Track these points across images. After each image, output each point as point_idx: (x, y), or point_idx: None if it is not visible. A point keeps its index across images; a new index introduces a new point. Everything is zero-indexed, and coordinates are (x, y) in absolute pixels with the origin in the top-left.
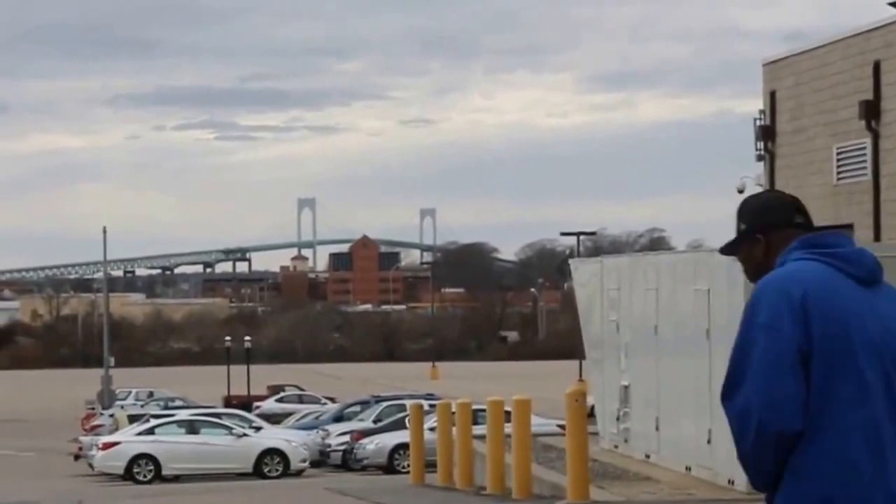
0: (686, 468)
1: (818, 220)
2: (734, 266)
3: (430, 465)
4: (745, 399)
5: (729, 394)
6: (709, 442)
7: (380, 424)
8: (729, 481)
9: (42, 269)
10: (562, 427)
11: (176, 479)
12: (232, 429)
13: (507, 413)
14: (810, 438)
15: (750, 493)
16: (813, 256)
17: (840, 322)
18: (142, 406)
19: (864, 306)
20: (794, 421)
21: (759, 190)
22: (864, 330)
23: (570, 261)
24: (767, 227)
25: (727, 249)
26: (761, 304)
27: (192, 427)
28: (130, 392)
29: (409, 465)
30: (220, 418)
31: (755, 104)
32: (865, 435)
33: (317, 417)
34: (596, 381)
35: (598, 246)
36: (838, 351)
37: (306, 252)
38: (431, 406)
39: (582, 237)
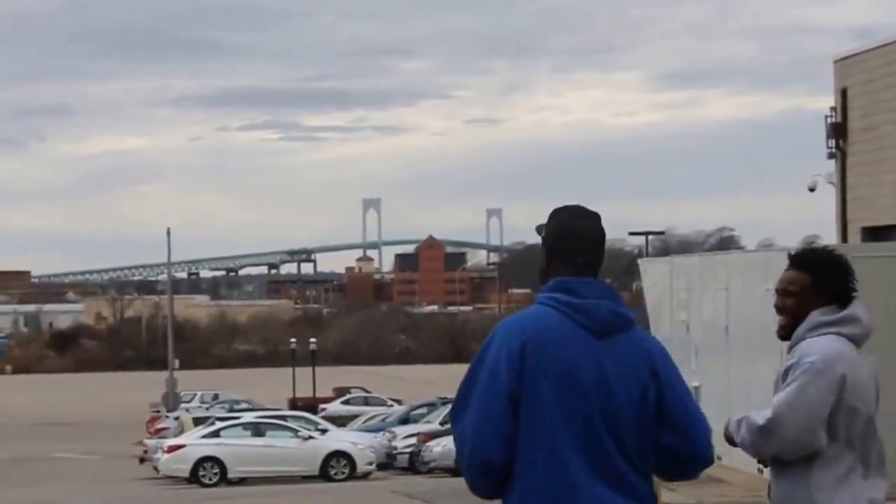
0: (758, 470)
1: (890, 218)
2: None
3: None
4: (464, 427)
5: (456, 416)
6: None
7: (446, 426)
8: None
9: (106, 271)
10: None
11: (241, 481)
12: (297, 431)
13: None
14: (516, 474)
15: None
16: (552, 304)
17: (551, 374)
18: (207, 409)
19: (586, 357)
20: (496, 455)
21: (579, 208)
22: (576, 382)
23: (639, 261)
24: (551, 254)
25: (538, 230)
26: (491, 347)
27: (257, 430)
28: (195, 395)
29: None
30: (285, 420)
31: (826, 101)
32: (553, 482)
33: (383, 419)
34: None
35: (667, 245)
36: (543, 401)
37: (372, 253)
38: None
39: (650, 237)
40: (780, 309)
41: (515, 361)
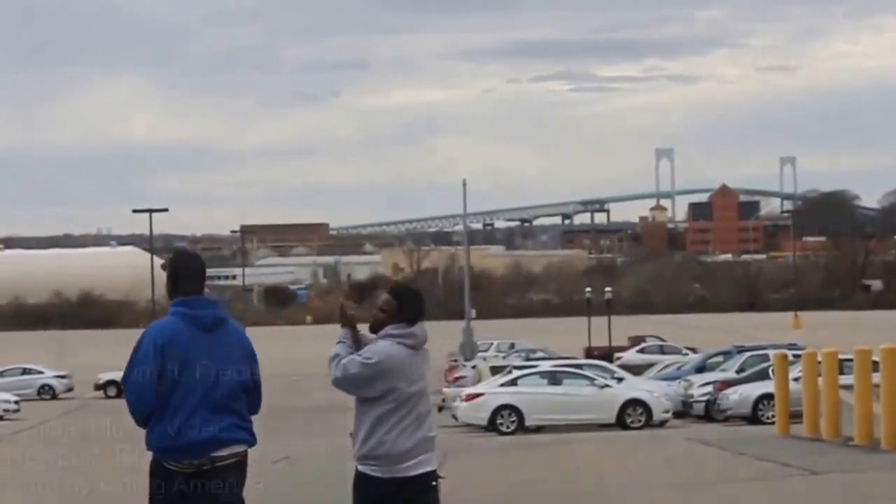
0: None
1: None
2: None
3: (794, 416)
4: (129, 386)
5: (124, 380)
6: None
7: (743, 375)
8: None
9: (402, 222)
10: None
11: (538, 429)
12: (594, 380)
13: (874, 363)
14: (161, 415)
15: None
16: (177, 314)
17: (180, 357)
18: (503, 357)
19: (201, 346)
20: (147, 405)
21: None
22: (194, 361)
23: None
24: (173, 282)
25: (162, 267)
26: (144, 342)
27: (554, 378)
28: (492, 344)
29: (773, 416)
30: (581, 369)
31: None
32: (178, 413)
33: (678, 368)
34: None
35: None
36: (177, 374)
37: (665, 202)
38: (795, 356)
39: None
40: (375, 317)
41: (158, 350)
